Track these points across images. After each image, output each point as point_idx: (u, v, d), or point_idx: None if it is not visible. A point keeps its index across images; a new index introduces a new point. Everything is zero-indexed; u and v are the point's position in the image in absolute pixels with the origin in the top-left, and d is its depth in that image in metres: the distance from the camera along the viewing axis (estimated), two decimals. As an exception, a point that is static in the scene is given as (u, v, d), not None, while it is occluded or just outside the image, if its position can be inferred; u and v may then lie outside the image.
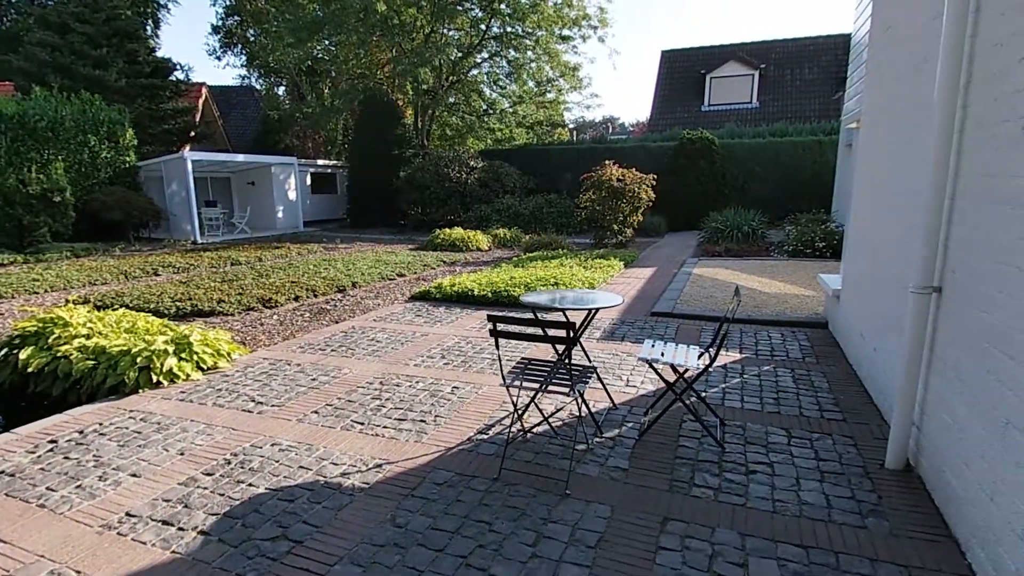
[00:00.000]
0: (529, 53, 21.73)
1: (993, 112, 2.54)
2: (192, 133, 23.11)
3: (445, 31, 22.43)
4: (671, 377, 3.82)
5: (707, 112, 24.71)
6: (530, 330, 4.18)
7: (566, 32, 21.92)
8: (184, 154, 17.46)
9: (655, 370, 3.83)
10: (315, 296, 8.62)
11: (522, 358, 3.79)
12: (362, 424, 3.96)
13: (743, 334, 5.90)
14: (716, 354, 3.48)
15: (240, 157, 20.03)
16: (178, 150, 20.17)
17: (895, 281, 3.74)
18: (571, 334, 3.13)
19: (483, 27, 21.52)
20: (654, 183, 14.47)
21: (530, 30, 20.93)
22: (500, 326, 3.25)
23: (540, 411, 3.88)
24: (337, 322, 7.03)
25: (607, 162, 14.63)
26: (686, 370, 3.60)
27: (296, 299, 8.35)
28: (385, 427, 3.91)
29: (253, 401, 4.40)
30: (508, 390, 3.43)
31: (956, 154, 2.88)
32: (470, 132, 23.93)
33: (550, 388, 3.34)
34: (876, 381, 4.11)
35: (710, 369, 3.88)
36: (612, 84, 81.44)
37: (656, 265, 10.98)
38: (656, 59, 26.57)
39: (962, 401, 2.65)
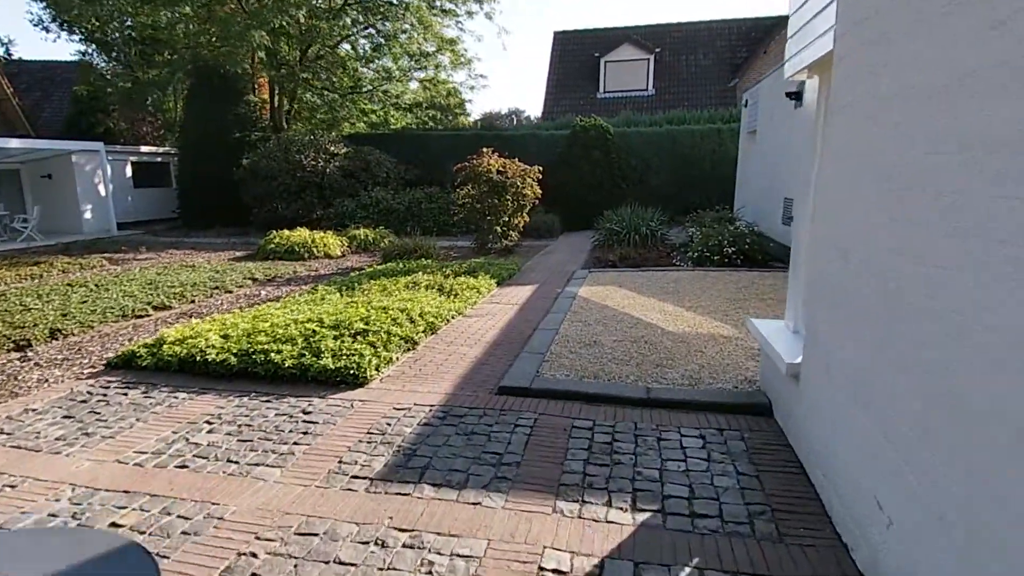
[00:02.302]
0: (401, 23, 18.62)
1: None
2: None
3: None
4: None
5: (603, 99, 22.96)
6: None
7: (448, 5, 19.09)
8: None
9: None
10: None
11: None
12: None
13: (638, 441, 3.43)
14: None
15: (14, 143, 15.29)
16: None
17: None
18: None
19: (344, -12, 18.14)
20: (540, 176, 12.11)
21: (400, -4, 17.87)
22: None
23: None
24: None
25: (484, 150, 12.06)
26: None
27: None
28: None
29: None
30: None
31: None
32: (330, 112, 20.42)
33: None
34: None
35: None
36: (515, 75, 79.32)
37: (538, 281, 8.55)
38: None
39: None
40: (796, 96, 9.29)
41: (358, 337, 4.94)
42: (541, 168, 12.17)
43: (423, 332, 5.50)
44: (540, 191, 12.13)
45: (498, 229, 12.00)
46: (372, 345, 4.82)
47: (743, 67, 20.84)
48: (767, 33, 21.13)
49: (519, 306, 6.88)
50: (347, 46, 20.39)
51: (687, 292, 7.23)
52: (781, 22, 21.11)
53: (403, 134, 19.53)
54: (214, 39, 17.71)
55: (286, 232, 12.49)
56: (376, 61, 19.54)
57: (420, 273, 8.31)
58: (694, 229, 10.27)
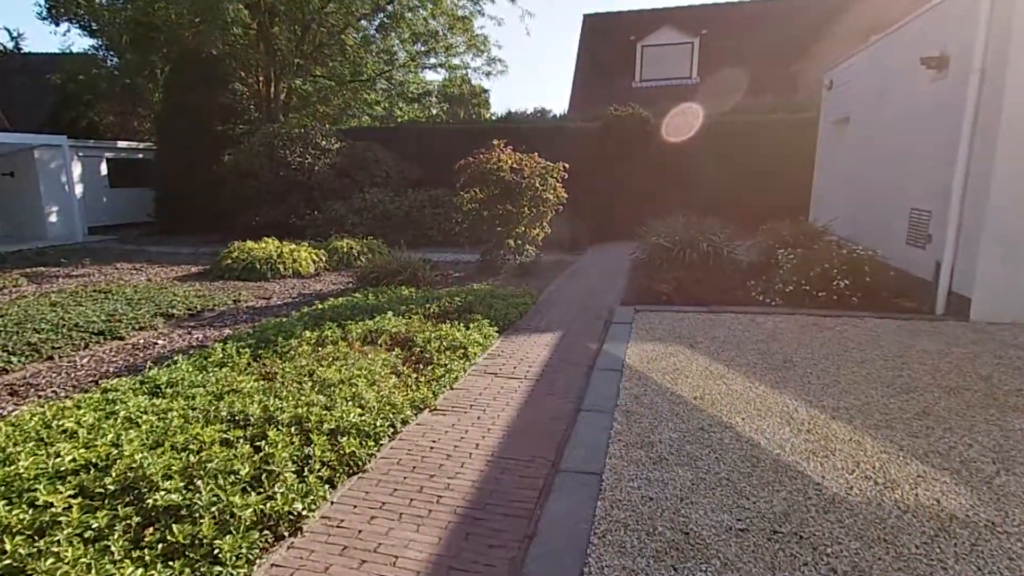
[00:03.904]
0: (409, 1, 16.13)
1: None
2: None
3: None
4: None
5: (639, 89, 20.08)
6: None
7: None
8: None
9: None
10: None
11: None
12: None
13: None
14: None
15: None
16: None
17: None
18: None
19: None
20: (566, 175, 9.41)
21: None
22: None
23: None
24: None
25: (496, 143, 9.42)
26: None
27: None
28: None
29: None
30: None
31: None
32: (323, 103, 17.98)
33: None
34: None
35: None
36: (542, 72, 76.36)
37: (560, 327, 5.86)
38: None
39: None
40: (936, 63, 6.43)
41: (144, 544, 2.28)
42: (567, 165, 9.46)
43: (324, 481, 2.80)
44: (565, 194, 9.43)
45: (511, 242, 9.34)
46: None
47: (808, 50, 17.79)
48: (847, 10, 18.03)
49: (527, 389, 4.18)
50: (357, 32, 18.04)
51: (807, 364, 4.44)
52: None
53: (407, 128, 17.00)
54: (196, 19, 15.49)
55: (249, 244, 10.03)
56: (380, 43, 17.01)
57: (390, 314, 5.68)
58: (784, 252, 7.41)
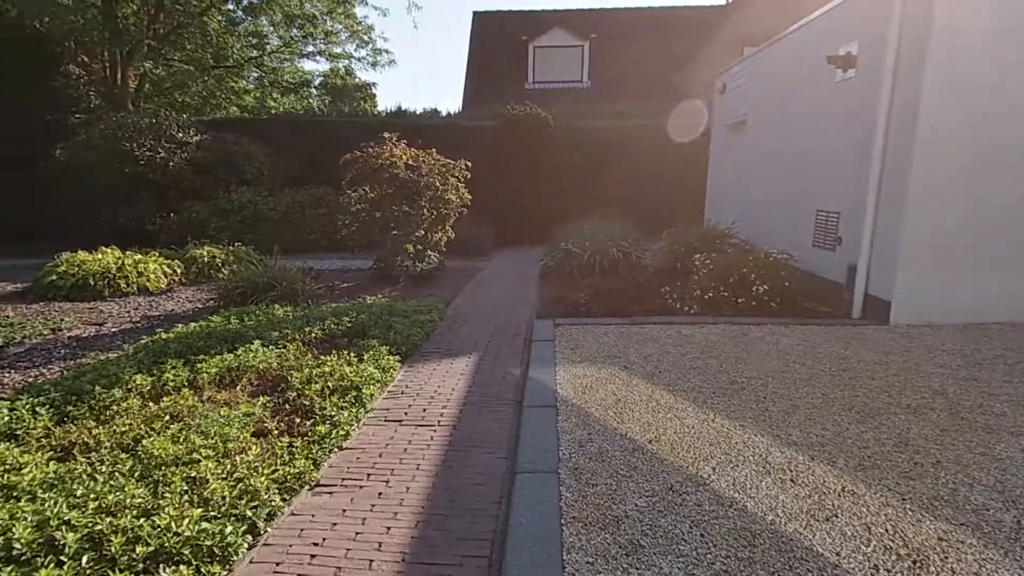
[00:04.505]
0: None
1: None
2: None
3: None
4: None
5: (533, 89, 19.72)
6: None
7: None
8: None
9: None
10: None
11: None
12: None
13: None
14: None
15: None
16: None
17: None
18: None
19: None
20: (468, 174, 8.59)
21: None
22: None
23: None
24: None
25: (388, 136, 8.36)
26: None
27: None
28: None
29: None
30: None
31: None
32: (178, 89, 15.73)
33: None
34: None
35: None
36: (432, 72, 74.56)
37: (475, 349, 5.00)
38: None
39: None
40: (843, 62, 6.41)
41: None
42: (469, 164, 8.63)
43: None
44: (469, 195, 8.59)
45: (410, 248, 8.32)
46: None
47: (690, 57, 18.44)
48: (721, 21, 18.88)
49: (443, 442, 3.28)
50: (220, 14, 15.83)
51: (757, 386, 3.95)
52: (741, 5, 18.97)
53: (284, 120, 15.26)
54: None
55: (81, 255, 8.08)
56: (249, 24, 15.08)
57: (257, 344, 4.48)
58: (700, 257, 7.10)
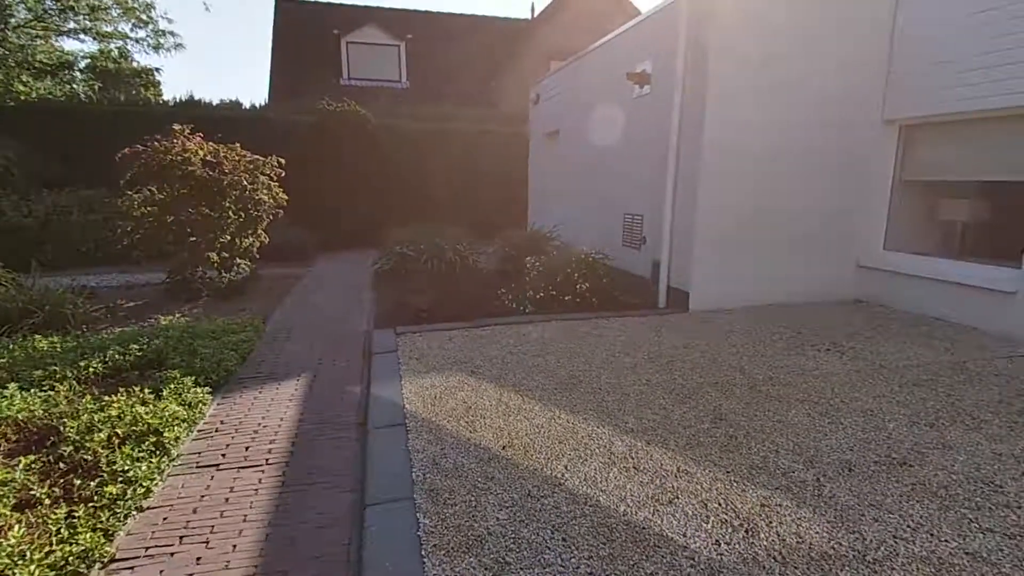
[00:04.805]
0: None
1: None
2: None
3: None
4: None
5: (349, 86, 18.80)
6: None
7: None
8: None
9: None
10: None
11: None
12: None
13: None
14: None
15: None
16: None
17: None
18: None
19: None
20: (281, 172, 7.84)
21: None
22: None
23: None
24: None
25: (176, 127, 7.24)
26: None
27: None
28: None
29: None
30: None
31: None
32: None
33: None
34: None
35: None
36: (237, 62, 66.61)
37: (304, 370, 4.53)
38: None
39: None
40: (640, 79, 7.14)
41: None
42: (283, 160, 7.88)
43: None
44: (285, 196, 7.84)
45: (214, 256, 7.31)
46: None
47: (504, 66, 19.19)
48: (529, 34, 19.90)
49: (274, 483, 2.87)
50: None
51: (592, 380, 4.17)
52: (544, 20, 20.13)
53: (38, 109, 12.45)
54: None
55: None
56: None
57: (12, 388, 3.50)
58: (532, 259, 7.34)
